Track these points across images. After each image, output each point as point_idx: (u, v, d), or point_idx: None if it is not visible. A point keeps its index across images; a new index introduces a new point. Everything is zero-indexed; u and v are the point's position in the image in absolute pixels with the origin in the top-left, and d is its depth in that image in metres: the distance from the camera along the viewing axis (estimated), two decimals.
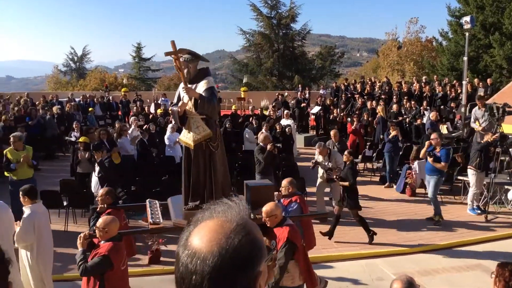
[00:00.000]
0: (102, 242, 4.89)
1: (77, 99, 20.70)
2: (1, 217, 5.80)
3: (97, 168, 9.05)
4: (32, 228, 5.71)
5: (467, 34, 15.24)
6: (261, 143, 9.98)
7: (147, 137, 12.64)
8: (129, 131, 12.66)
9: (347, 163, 8.64)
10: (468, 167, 10.13)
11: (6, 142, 12.70)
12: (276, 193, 6.62)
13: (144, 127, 13.62)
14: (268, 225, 5.06)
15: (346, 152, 8.83)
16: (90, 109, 18.09)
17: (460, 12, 29.52)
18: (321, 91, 24.95)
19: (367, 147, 14.24)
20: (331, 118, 18.04)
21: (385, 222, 9.60)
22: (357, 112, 16.90)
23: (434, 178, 9.39)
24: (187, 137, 6.07)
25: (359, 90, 21.05)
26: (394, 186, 12.06)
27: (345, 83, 23.88)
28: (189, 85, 5.93)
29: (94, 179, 9.18)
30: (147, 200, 6.62)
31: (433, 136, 9.74)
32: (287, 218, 5.29)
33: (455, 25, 29.92)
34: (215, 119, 6.15)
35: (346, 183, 8.36)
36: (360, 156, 13.45)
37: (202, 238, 1.11)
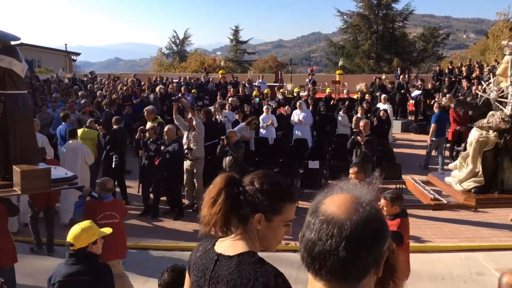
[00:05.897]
0: None
1: (175, 81, 21.56)
2: (77, 155, 8.37)
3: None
4: None
5: None
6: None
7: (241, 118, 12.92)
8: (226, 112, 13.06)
9: None
10: None
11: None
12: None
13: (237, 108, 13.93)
14: None
15: None
16: (193, 90, 18.81)
17: None
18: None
19: None
20: (432, 103, 17.09)
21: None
22: (461, 97, 15.80)
23: None
24: None
25: (465, 74, 19.64)
26: None
27: (450, 66, 22.43)
28: None
29: None
30: None
31: None
32: None
33: None
34: None
35: None
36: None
37: (339, 206, 1.15)
